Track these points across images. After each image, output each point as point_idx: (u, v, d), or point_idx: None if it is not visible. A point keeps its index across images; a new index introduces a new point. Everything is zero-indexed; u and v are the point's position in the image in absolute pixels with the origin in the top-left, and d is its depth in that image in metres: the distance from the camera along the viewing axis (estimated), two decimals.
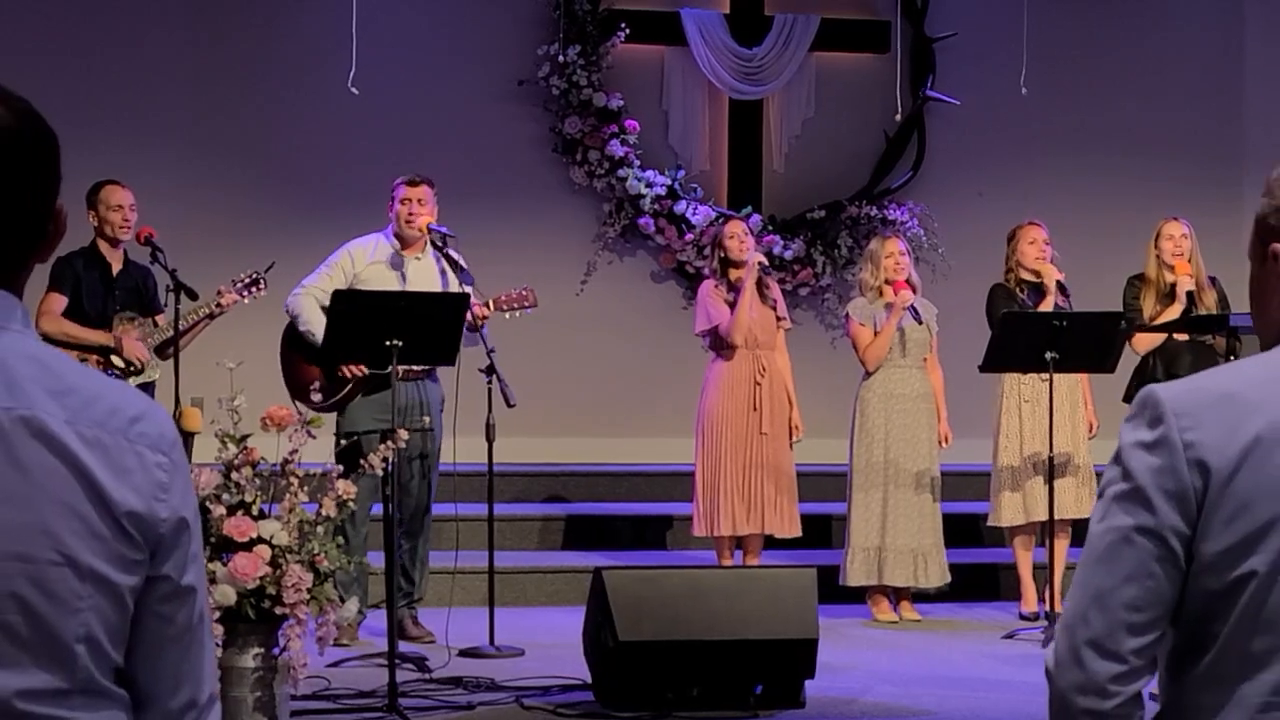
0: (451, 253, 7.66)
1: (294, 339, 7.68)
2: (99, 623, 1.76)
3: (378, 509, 7.49)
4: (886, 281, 8.35)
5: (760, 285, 8.49)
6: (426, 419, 7.40)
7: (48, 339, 7.61)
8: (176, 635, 1.82)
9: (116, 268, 7.91)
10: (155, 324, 7.92)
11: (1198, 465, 1.90)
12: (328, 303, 7.35)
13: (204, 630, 1.86)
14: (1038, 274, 8.38)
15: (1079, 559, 2.01)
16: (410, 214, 7.69)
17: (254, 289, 7.95)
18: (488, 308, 7.69)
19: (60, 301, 7.73)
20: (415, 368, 7.48)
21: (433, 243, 7.72)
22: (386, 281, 7.61)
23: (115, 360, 7.73)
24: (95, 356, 7.70)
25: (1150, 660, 1.95)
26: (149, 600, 1.80)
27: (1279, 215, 2.03)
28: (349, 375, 7.51)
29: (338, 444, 7.32)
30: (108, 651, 1.77)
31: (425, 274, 7.71)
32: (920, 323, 8.40)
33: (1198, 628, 1.94)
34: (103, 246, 7.88)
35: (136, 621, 1.80)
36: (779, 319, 8.53)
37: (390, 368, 6.84)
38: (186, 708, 1.84)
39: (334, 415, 7.53)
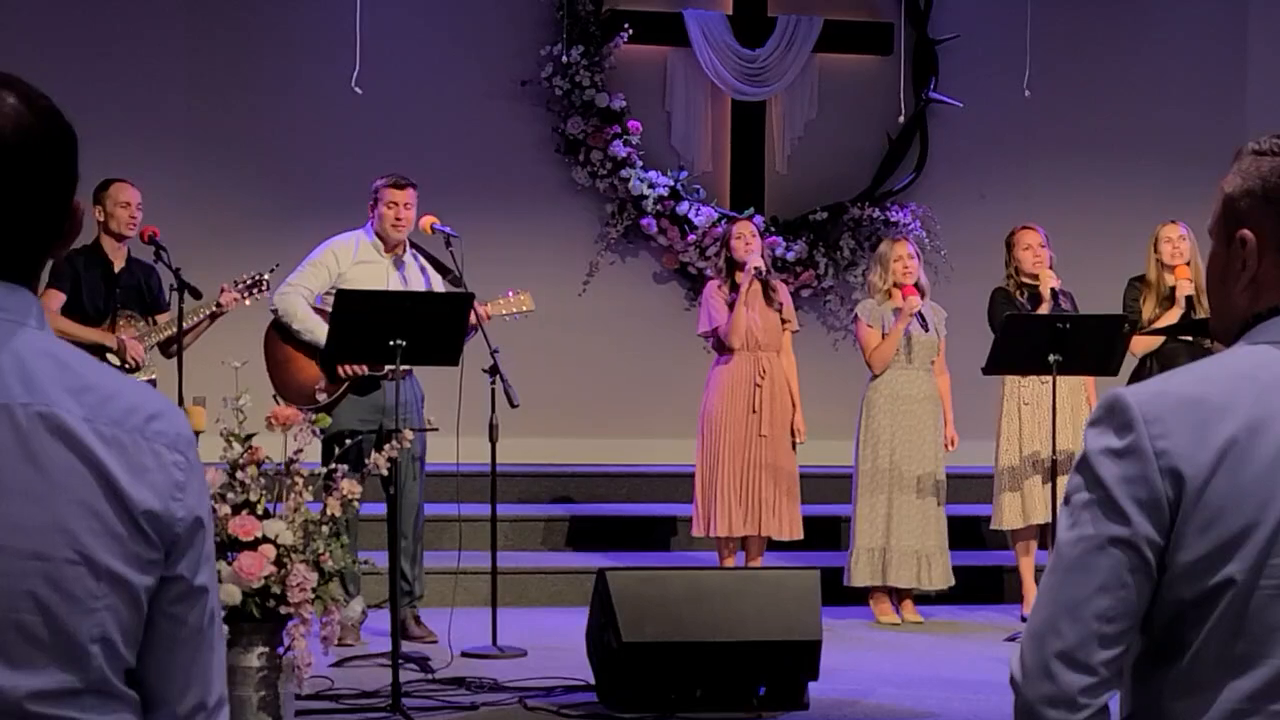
0: (432, 252, 7.70)
1: (277, 340, 7.65)
2: (114, 623, 1.75)
3: (367, 509, 7.49)
4: (895, 285, 8.35)
5: (767, 288, 8.49)
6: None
7: None
8: (188, 637, 1.82)
9: (119, 265, 7.91)
10: (154, 322, 7.90)
11: (1170, 474, 1.86)
12: (315, 301, 7.40)
13: (214, 632, 1.85)
14: (1036, 279, 8.38)
15: (1046, 566, 1.96)
16: (398, 218, 7.68)
17: (256, 290, 7.93)
18: (486, 310, 7.66)
19: (57, 298, 7.72)
20: (402, 367, 7.48)
21: (411, 243, 7.74)
22: (379, 281, 7.60)
23: (111, 359, 7.70)
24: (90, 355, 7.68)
25: (1118, 671, 1.91)
26: (162, 601, 1.79)
27: (1250, 199, 1.97)
28: (346, 374, 7.51)
29: (325, 445, 7.31)
30: (121, 652, 1.76)
31: (410, 274, 7.74)
32: (927, 331, 8.42)
33: (1168, 635, 1.90)
34: (106, 244, 7.87)
35: (149, 622, 1.79)
36: (784, 321, 8.52)
37: (390, 368, 6.83)
38: (195, 710, 1.84)
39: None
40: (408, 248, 7.77)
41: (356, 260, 7.69)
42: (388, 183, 7.74)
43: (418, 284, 7.67)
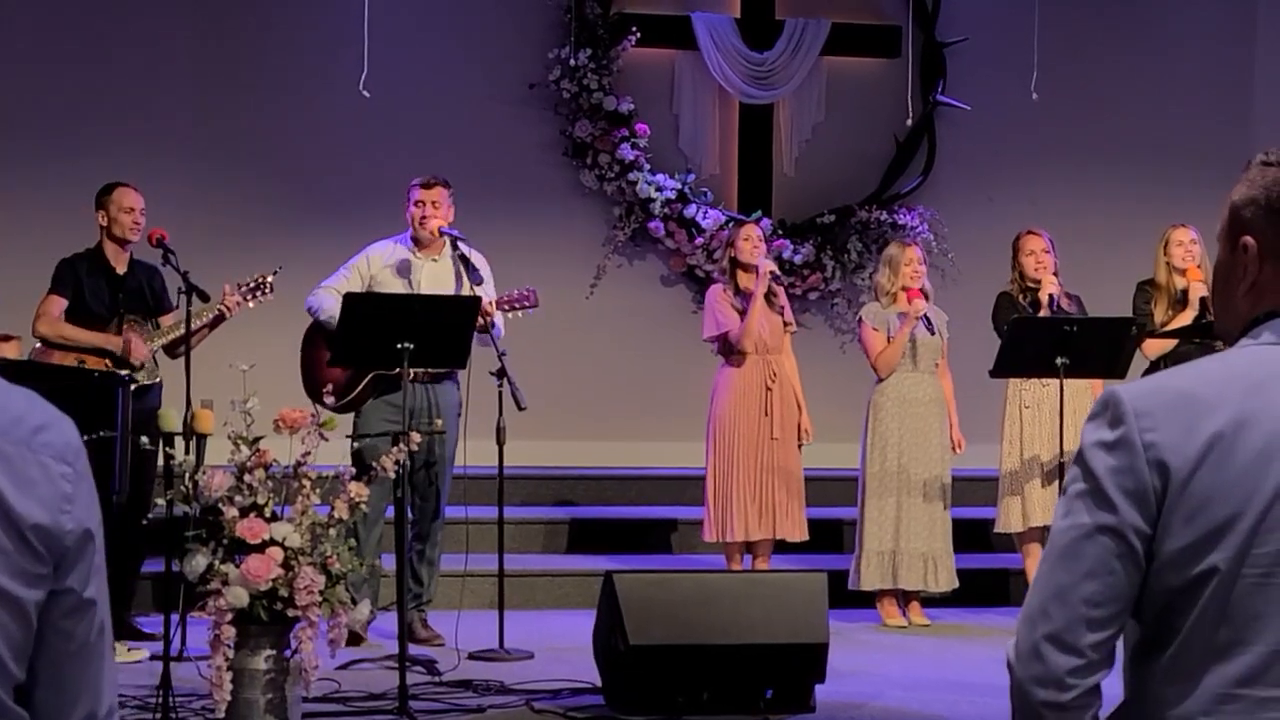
0: (466, 251, 7.68)
1: (313, 341, 7.68)
2: (2, 640, 1.71)
3: (392, 512, 7.50)
4: (902, 288, 8.36)
5: (768, 291, 8.50)
6: (439, 421, 7.39)
7: (45, 342, 7.59)
8: (76, 650, 1.78)
9: (121, 269, 7.88)
10: (157, 325, 7.88)
11: (1157, 465, 1.95)
12: None
13: (103, 643, 1.81)
14: (1039, 284, 8.37)
15: (1042, 554, 2.04)
16: (423, 216, 7.71)
17: (259, 293, 7.89)
18: (491, 307, 7.67)
19: (59, 304, 7.69)
20: (429, 370, 7.48)
21: (454, 244, 7.73)
22: (396, 284, 7.62)
23: (115, 359, 7.67)
24: (94, 358, 7.65)
25: (1108, 654, 1.99)
26: (52, 615, 1.75)
27: (1254, 208, 2.06)
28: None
29: (353, 446, 7.34)
30: (10, 669, 1.73)
31: (441, 276, 7.72)
32: (932, 334, 8.42)
33: (1160, 622, 1.99)
34: (109, 248, 7.83)
35: (37, 636, 1.75)
36: (786, 324, 8.54)
37: (400, 369, 6.83)
38: None
39: (348, 417, 7.52)
40: (447, 248, 7.74)
41: (386, 264, 7.71)
42: (417, 182, 7.78)
43: (447, 286, 7.65)
